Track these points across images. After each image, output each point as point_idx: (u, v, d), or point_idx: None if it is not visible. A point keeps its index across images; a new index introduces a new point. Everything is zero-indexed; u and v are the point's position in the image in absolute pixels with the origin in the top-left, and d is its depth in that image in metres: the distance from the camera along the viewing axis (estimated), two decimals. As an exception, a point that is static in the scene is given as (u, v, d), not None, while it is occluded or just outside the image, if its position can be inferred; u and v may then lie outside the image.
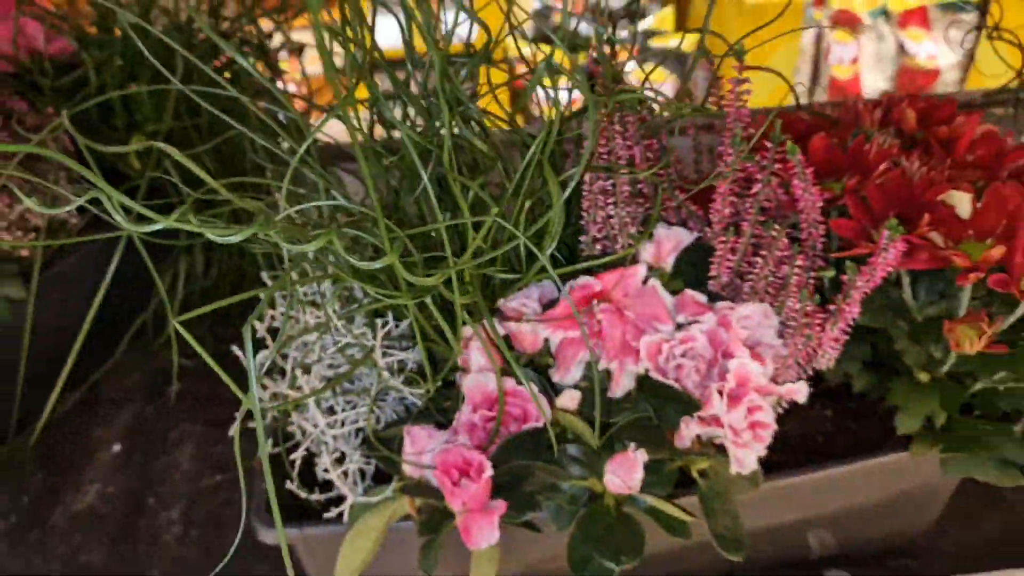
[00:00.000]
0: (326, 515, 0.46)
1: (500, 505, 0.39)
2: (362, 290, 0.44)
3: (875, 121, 0.51)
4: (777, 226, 0.44)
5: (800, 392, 0.44)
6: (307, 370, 0.46)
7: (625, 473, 0.40)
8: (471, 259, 0.41)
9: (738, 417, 0.42)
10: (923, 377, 0.48)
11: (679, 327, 0.45)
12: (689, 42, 2.02)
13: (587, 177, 0.46)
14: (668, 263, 0.48)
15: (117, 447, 0.71)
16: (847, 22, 2.00)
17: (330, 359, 0.45)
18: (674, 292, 0.46)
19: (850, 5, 2.00)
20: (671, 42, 2.07)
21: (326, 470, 0.45)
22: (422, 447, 0.43)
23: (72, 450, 0.71)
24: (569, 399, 0.44)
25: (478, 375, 0.43)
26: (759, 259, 0.45)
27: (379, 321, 0.44)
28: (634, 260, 0.48)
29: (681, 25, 2.12)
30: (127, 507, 0.66)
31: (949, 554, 0.60)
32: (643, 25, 2.10)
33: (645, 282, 0.46)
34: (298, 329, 0.45)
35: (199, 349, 0.34)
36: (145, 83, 0.66)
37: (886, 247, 0.39)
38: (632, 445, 0.40)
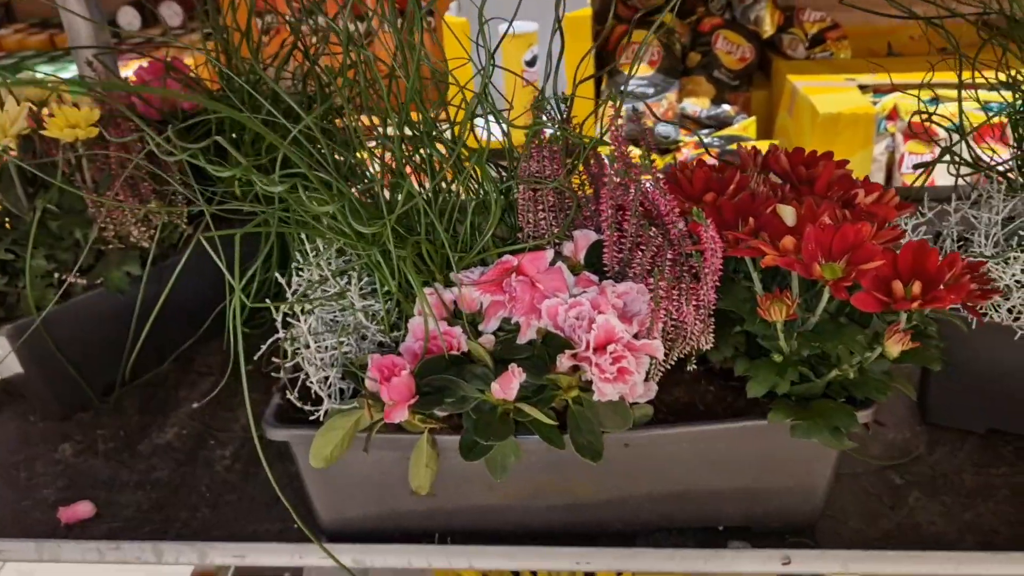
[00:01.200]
0: (311, 418, 0.64)
1: (414, 398, 0.56)
2: (350, 252, 0.62)
3: (756, 164, 0.65)
4: (654, 228, 0.60)
5: (656, 349, 0.58)
6: (308, 313, 0.64)
7: (504, 384, 0.55)
8: (424, 235, 0.59)
9: (604, 360, 0.57)
10: (776, 358, 0.61)
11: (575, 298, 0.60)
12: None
13: (520, 189, 0.64)
14: (581, 257, 0.64)
15: (195, 404, 0.91)
16: (922, 135, 2.09)
17: (325, 308, 0.64)
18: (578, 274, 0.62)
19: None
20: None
21: (313, 383, 0.62)
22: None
23: (163, 403, 0.92)
24: (486, 340, 0.60)
25: (420, 317, 0.60)
26: (639, 251, 0.60)
27: (355, 274, 0.62)
28: (559, 255, 0.64)
29: (762, 134, 2.27)
30: (194, 444, 0.85)
31: (845, 539, 0.70)
32: (727, 131, 2.27)
33: (554, 264, 0.62)
34: (304, 283, 0.64)
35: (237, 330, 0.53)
36: (250, 131, 0.89)
37: (707, 228, 0.54)
38: (514, 366, 0.55)
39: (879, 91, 2.08)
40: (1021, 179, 0.75)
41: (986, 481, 0.74)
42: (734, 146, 2.22)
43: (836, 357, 0.61)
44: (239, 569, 1.46)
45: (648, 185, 0.60)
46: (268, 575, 1.19)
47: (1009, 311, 0.69)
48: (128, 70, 1.11)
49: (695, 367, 0.65)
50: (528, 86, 0.71)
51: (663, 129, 2.21)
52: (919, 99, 0.80)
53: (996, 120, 0.82)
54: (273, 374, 0.67)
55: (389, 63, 0.63)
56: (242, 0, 0.85)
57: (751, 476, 0.66)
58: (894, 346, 0.55)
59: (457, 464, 0.64)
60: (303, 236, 0.66)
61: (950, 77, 0.79)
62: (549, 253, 0.62)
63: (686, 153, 2.19)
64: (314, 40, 0.84)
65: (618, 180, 0.59)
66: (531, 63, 2.06)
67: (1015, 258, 0.66)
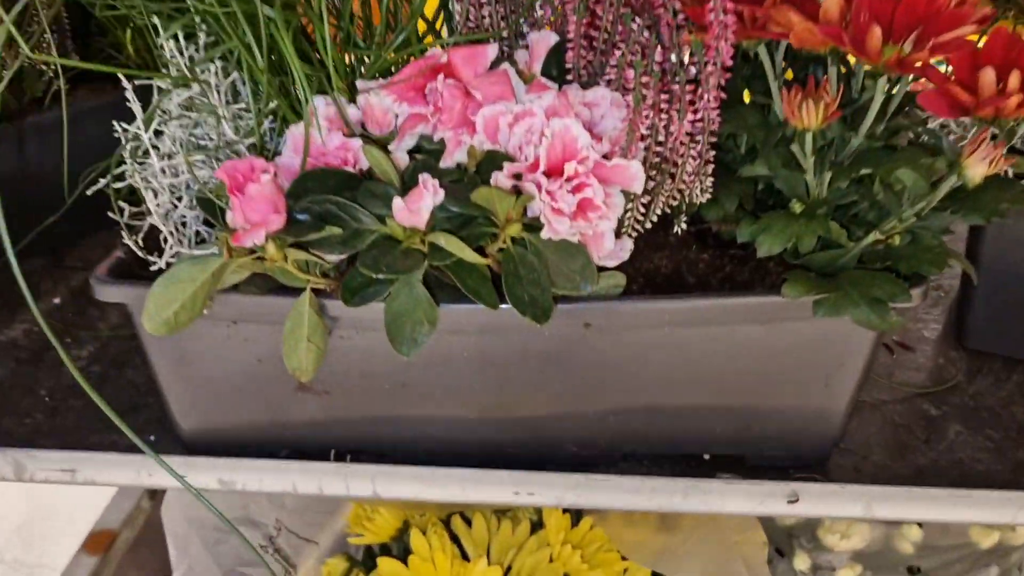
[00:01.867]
0: (152, 268, 0.46)
1: (281, 219, 0.38)
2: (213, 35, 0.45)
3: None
4: (637, 19, 0.43)
5: (634, 175, 0.41)
6: (160, 125, 0.46)
7: (412, 202, 0.38)
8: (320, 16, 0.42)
9: (557, 184, 0.40)
10: (797, 207, 0.44)
11: (525, 109, 0.43)
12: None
13: (458, -33, 0.47)
14: (538, 68, 0.47)
15: (57, 300, 0.73)
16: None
17: (180, 117, 0.46)
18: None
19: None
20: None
21: (153, 217, 0.45)
22: (244, 193, 0.43)
23: (18, 296, 0.73)
24: (395, 158, 0.42)
25: (300, 126, 0.43)
26: (616, 50, 0.43)
27: (219, 64, 0.45)
28: (508, 59, 0.47)
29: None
30: (45, 342, 0.67)
31: (867, 475, 0.53)
32: None
33: (497, 66, 0.45)
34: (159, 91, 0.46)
35: None
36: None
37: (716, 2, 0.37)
38: (426, 177, 0.38)
39: None
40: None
41: (1044, 415, 0.58)
42: None
43: (877, 212, 0.44)
44: (141, 534, 1.27)
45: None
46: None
47: (1095, 184, 0.52)
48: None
49: (684, 227, 0.48)
50: None
51: None
52: None
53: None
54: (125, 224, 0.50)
55: None
56: None
57: (751, 384, 0.49)
58: (978, 165, 0.38)
59: (356, 346, 0.47)
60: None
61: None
62: (490, 49, 0.44)
63: None
64: None
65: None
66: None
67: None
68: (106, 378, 0.63)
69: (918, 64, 0.36)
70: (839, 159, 0.43)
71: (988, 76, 0.36)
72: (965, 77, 0.38)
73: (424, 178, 0.38)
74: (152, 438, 0.56)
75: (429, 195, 0.38)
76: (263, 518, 0.73)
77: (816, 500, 0.51)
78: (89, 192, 0.58)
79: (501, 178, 0.39)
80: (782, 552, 0.79)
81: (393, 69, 0.47)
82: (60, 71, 0.73)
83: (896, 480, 0.53)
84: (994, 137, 0.39)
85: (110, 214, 0.49)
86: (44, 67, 0.71)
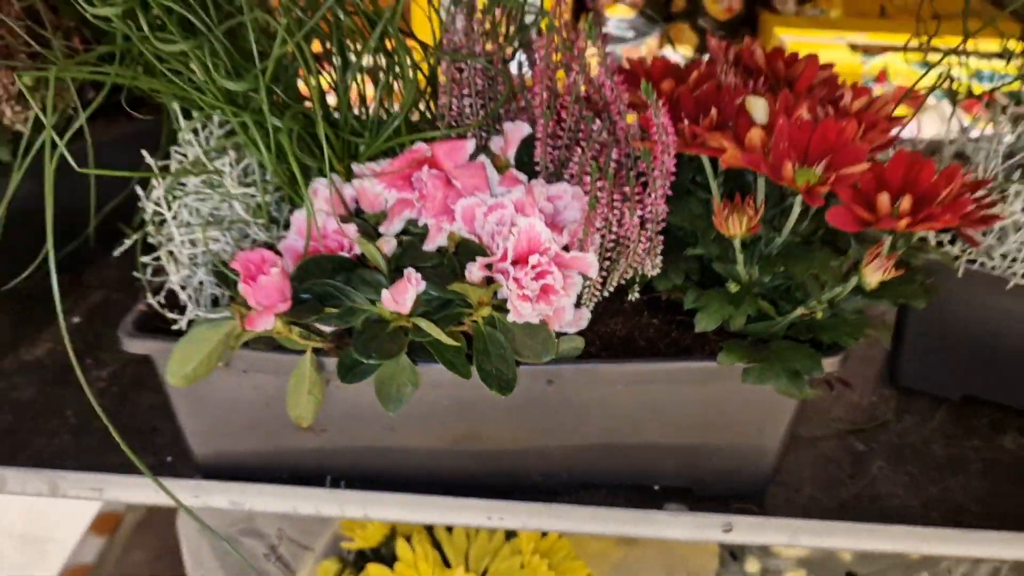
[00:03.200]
0: (173, 327, 0.53)
1: (287, 303, 0.45)
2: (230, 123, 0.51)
3: (728, 59, 0.55)
4: (598, 121, 0.49)
5: (590, 265, 0.48)
6: (178, 201, 0.53)
7: (397, 293, 0.44)
8: (323, 113, 0.48)
9: (524, 273, 0.46)
10: (733, 287, 0.51)
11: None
12: (748, 105, 2.06)
13: (444, 65, 0.53)
14: (511, 153, 0.53)
15: (77, 319, 0.80)
16: (909, 100, 2.01)
17: (200, 197, 0.53)
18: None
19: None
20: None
21: (174, 284, 0.51)
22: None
23: (40, 316, 0.80)
24: (384, 243, 0.49)
25: (303, 211, 0.49)
26: (578, 148, 0.50)
27: (233, 154, 0.51)
28: (485, 149, 0.54)
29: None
30: (68, 362, 0.74)
31: (797, 507, 0.61)
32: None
33: (475, 157, 0.51)
34: (177, 170, 0.53)
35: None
36: None
37: (659, 115, 0.44)
38: (410, 271, 0.45)
39: (869, 51, 1.98)
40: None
41: (958, 454, 0.66)
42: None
43: (802, 291, 0.51)
44: (145, 517, 1.35)
45: (594, 67, 0.49)
46: (175, 517, 1.08)
47: (1003, 256, 0.59)
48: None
49: (637, 296, 0.55)
50: None
51: (640, 79, 2.10)
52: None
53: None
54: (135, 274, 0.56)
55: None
56: None
57: (694, 428, 0.57)
58: (873, 273, 0.45)
59: (351, 395, 0.53)
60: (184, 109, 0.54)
61: (942, 42, 0.70)
62: (469, 143, 0.51)
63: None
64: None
65: (554, 61, 0.49)
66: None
67: (1014, 194, 0.57)
68: (125, 399, 0.70)
69: (823, 190, 0.42)
70: (767, 251, 0.50)
71: (884, 200, 0.43)
72: (872, 192, 0.44)
73: (408, 272, 0.45)
74: (169, 459, 0.64)
75: (412, 287, 0.45)
76: (267, 528, 0.81)
77: (747, 530, 0.59)
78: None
79: (475, 270, 0.46)
80: (736, 556, 0.87)
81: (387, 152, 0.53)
82: (79, 108, 0.79)
83: (822, 512, 0.60)
84: (895, 245, 0.46)
85: (135, 273, 0.56)
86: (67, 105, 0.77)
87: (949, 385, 0.70)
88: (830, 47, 1.93)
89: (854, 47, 1.98)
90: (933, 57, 0.67)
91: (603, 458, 0.59)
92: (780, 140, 0.43)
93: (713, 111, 0.46)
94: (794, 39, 2.00)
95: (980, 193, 0.46)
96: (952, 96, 0.74)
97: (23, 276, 0.71)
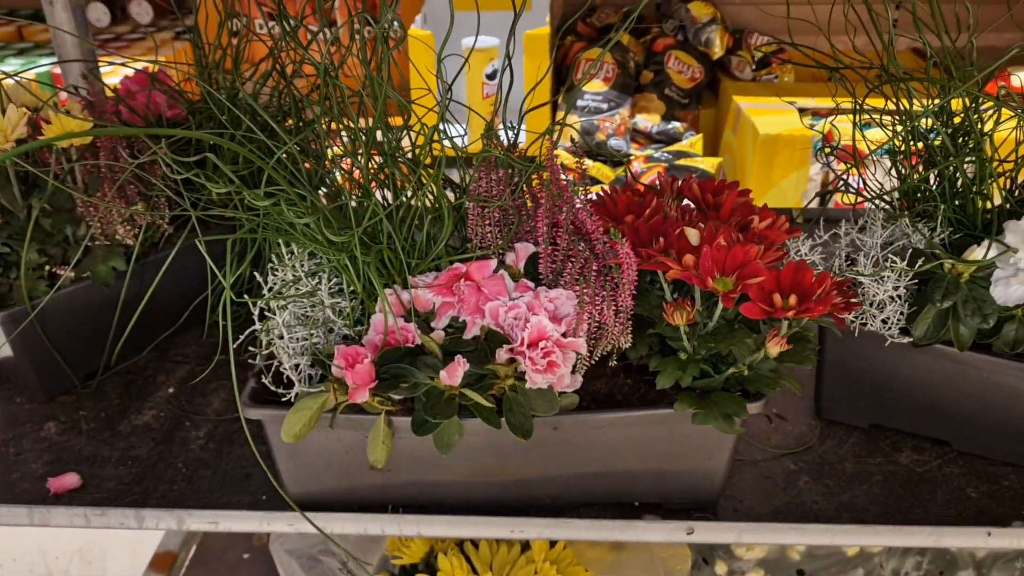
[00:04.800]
0: (282, 400, 0.73)
1: (374, 383, 0.66)
2: (321, 255, 0.72)
3: (673, 190, 0.77)
4: (582, 243, 0.70)
5: (581, 346, 0.69)
6: (283, 308, 0.73)
7: (450, 372, 0.65)
8: (387, 244, 0.69)
9: (535, 354, 0.67)
10: (682, 356, 0.72)
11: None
12: (712, 164, 2.31)
13: (470, 205, 0.74)
14: (521, 266, 0.75)
15: (171, 389, 1.00)
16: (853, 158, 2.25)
17: (297, 304, 0.73)
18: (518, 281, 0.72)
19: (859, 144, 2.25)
20: (699, 164, 2.35)
21: (286, 369, 0.72)
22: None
23: (141, 388, 1.00)
24: (437, 335, 0.70)
25: (381, 314, 0.70)
26: (569, 263, 0.71)
27: (324, 276, 0.72)
28: (502, 263, 0.75)
29: (708, 151, 2.41)
30: (171, 425, 0.94)
31: (741, 514, 0.81)
32: (676, 146, 2.39)
33: (497, 271, 0.72)
34: (279, 281, 0.74)
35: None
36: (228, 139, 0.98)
37: (623, 246, 0.65)
38: (459, 356, 0.66)
39: (817, 114, 2.23)
40: (899, 208, 0.88)
41: (864, 468, 0.86)
42: (682, 161, 2.35)
43: (731, 357, 0.72)
44: (196, 555, 1.54)
45: (579, 206, 0.70)
46: (223, 555, 1.27)
47: (883, 322, 0.81)
48: (113, 76, 1.19)
49: (615, 363, 0.76)
50: (488, 97, 0.82)
51: (615, 143, 2.33)
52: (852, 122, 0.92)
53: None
54: (249, 361, 0.77)
55: (360, 80, 0.73)
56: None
57: (661, 458, 0.77)
58: (773, 347, 0.66)
59: (410, 443, 0.74)
60: (279, 241, 0.75)
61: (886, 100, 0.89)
62: (493, 262, 0.72)
63: (637, 166, 2.31)
64: (290, 63, 0.93)
65: (552, 202, 0.70)
66: (491, 76, 2.16)
67: (887, 277, 0.78)
68: (221, 453, 0.90)
69: (735, 295, 0.64)
70: (704, 332, 0.71)
71: (777, 299, 0.64)
72: (770, 292, 0.66)
73: (458, 358, 0.65)
74: (264, 497, 0.83)
75: (460, 368, 0.65)
76: (336, 548, 1.00)
77: (706, 532, 0.79)
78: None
79: (501, 354, 0.67)
80: (707, 560, 1.07)
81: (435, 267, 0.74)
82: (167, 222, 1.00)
83: (760, 517, 0.81)
84: (791, 325, 0.67)
85: (249, 360, 0.76)
86: (160, 220, 0.98)
87: (859, 416, 0.91)
88: (782, 112, 2.17)
89: (803, 111, 2.22)
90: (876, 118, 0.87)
91: (595, 483, 0.79)
92: (705, 261, 0.64)
93: (661, 240, 0.67)
94: (749, 104, 2.24)
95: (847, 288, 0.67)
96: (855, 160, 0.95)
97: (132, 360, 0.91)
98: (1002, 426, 0.83)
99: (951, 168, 0.84)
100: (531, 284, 0.72)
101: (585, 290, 0.68)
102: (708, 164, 2.26)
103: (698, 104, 2.45)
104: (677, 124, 2.38)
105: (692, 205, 0.77)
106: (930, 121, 0.85)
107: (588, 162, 2.31)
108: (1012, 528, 0.78)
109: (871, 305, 0.82)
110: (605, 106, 2.24)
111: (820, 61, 0.91)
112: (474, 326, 0.70)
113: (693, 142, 2.38)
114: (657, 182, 0.78)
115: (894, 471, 0.86)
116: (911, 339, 0.80)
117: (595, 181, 2.32)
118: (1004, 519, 0.80)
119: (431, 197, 0.73)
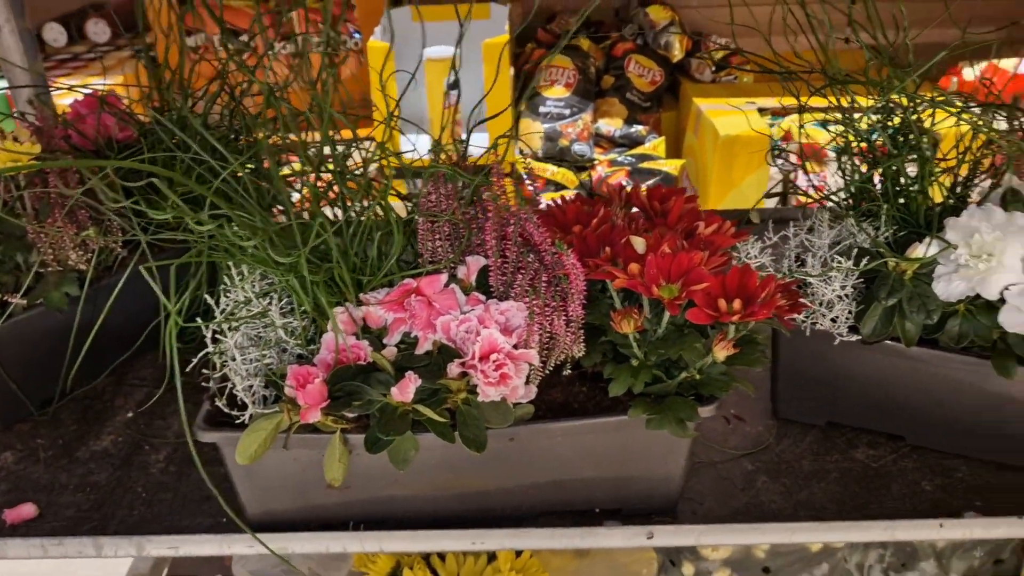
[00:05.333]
0: (237, 422, 0.73)
1: (326, 402, 0.66)
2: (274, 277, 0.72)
3: (622, 199, 0.77)
4: (532, 255, 0.71)
5: (533, 357, 0.69)
6: (235, 330, 0.73)
7: (402, 388, 0.65)
8: (338, 260, 0.69)
9: (487, 367, 0.68)
10: (634, 362, 0.73)
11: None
12: (675, 166, 2.33)
13: (420, 220, 0.74)
14: (473, 279, 0.75)
15: (130, 413, 0.99)
16: (815, 156, 2.28)
17: (249, 325, 0.73)
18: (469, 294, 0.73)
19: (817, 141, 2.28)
20: (663, 167, 2.37)
21: (239, 391, 0.71)
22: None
23: (99, 413, 0.99)
24: (388, 351, 0.70)
25: (332, 333, 0.70)
26: (519, 274, 0.72)
27: (275, 296, 0.72)
28: (454, 277, 0.75)
29: (671, 152, 2.43)
30: (129, 450, 0.93)
31: (700, 516, 0.82)
32: (639, 149, 2.41)
33: (448, 285, 0.73)
34: (231, 303, 0.73)
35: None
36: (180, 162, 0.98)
37: (569, 257, 0.66)
38: (410, 372, 0.66)
39: (776, 114, 2.26)
40: (844, 208, 0.89)
41: (821, 467, 0.87)
42: (645, 164, 2.37)
43: (683, 361, 0.73)
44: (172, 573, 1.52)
45: (526, 218, 0.71)
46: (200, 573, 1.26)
47: (833, 320, 0.82)
48: (68, 98, 1.18)
49: (570, 371, 0.76)
50: (450, 107, 0.83)
51: (579, 148, 2.35)
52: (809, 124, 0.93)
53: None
54: (203, 383, 0.76)
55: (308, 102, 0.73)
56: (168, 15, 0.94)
57: (619, 465, 0.78)
58: (721, 352, 0.67)
59: (367, 460, 0.73)
60: (229, 263, 0.75)
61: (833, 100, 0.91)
62: (444, 277, 0.72)
63: (600, 171, 2.32)
64: (240, 83, 0.93)
65: (499, 215, 0.71)
66: (454, 86, 2.17)
67: (834, 277, 0.79)
68: (181, 475, 0.89)
69: (680, 302, 0.64)
70: (653, 338, 0.71)
71: (722, 304, 0.65)
72: (715, 297, 0.67)
73: (408, 374, 0.66)
74: (224, 520, 0.83)
75: (412, 383, 0.65)
76: (300, 566, 1.00)
77: (665, 536, 0.80)
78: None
79: (453, 368, 0.67)
80: (674, 562, 1.08)
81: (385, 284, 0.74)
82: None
83: (719, 518, 0.82)
84: (738, 329, 0.68)
85: (203, 383, 0.75)
86: (113, 244, 0.97)
87: (815, 414, 0.92)
88: (741, 112, 2.20)
89: (763, 110, 2.25)
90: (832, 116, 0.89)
91: (554, 491, 0.79)
92: (651, 268, 0.65)
93: (608, 249, 0.68)
94: (709, 106, 2.26)
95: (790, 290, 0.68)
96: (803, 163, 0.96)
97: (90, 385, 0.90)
98: (952, 419, 0.85)
99: (893, 167, 0.86)
100: (482, 297, 0.72)
101: (535, 301, 0.68)
102: (671, 166, 2.28)
103: (659, 107, 2.47)
104: (639, 127, 2.40)
105: (641, 213, 0.77)
106: (868, 121, 0.86)
107: (551, 168, 2.32)
108: (963, 519, 0.79)
109: (820, 305, 0.83)
110: (567, 112, 2.25)
111: (764, 65, 0.92)
112: (426, 341, 0.71)
113: (656, 145, 2.40)
114: (621, 186, 0.78)
115: (850, 468, 0.87)
116: (860, 337, 0.81)
117: (560, 187, 2.34)
118: (957, 511, 0.81)
119: (380, 212, 0.74)
